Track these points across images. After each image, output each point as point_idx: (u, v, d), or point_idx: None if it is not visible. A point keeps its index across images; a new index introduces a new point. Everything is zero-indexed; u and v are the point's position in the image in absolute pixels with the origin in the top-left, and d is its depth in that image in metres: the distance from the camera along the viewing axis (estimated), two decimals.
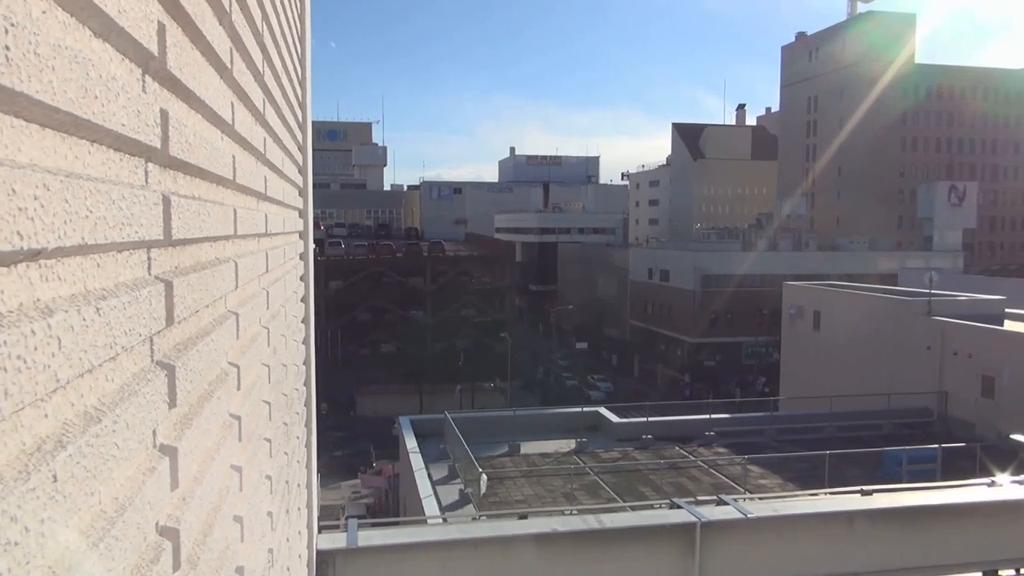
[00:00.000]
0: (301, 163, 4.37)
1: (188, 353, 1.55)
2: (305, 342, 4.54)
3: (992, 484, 6.54)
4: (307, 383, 4.61)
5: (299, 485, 4.21)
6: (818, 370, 36.29)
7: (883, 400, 29.00)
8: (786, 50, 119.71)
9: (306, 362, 4.56)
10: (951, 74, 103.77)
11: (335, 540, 5.11)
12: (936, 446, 22.94)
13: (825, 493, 6.65)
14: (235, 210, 2.21)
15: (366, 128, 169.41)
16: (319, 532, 5.21)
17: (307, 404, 4.63)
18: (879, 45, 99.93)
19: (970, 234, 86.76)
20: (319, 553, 5.00)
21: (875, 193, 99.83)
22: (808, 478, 21.38)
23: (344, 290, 66.91)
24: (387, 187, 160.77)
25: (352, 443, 53.54)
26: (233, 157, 2.18)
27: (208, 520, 1.68)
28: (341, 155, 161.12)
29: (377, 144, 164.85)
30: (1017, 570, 6.32)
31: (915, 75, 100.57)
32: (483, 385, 62.43)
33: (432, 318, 69.32)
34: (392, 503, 34.92)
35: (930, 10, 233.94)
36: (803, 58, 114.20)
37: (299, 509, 4.16)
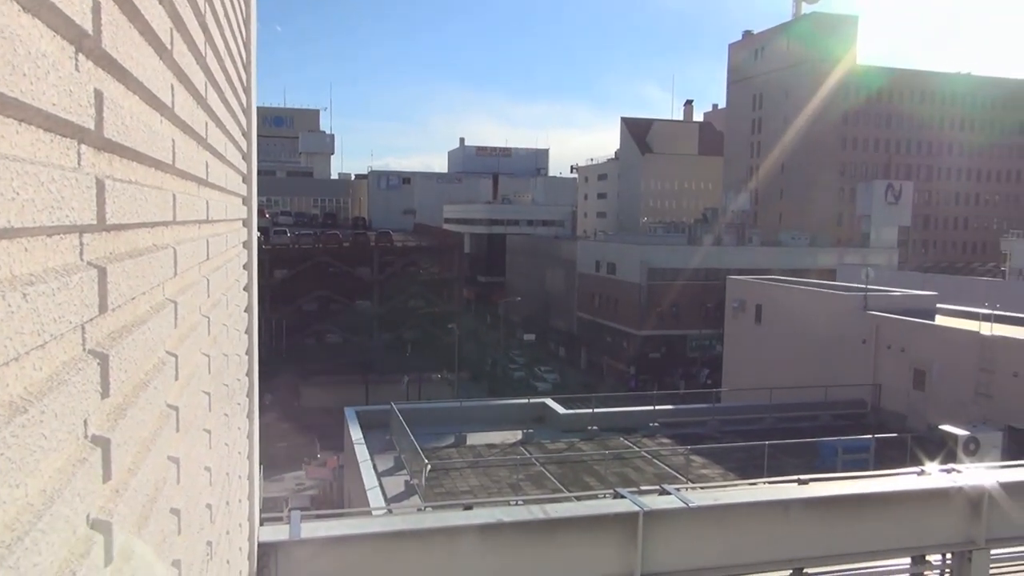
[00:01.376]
0: (245, 149, 4.28)
1: (123, 342, 1.51)
2: (248, 332, 4.46)
3: (921, 473, 6.78)
4: (249, 373, 4.53)
5: (240, 477, 4.14)
6: (759, 363, 37.11)
7: (820, 392, 29.82)
8: (733, 48, 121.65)
9: (248, 352, 4.49)
10: (890, 76, 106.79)
11: (277, 532, 5.04)
12: (869, 436, 23.71)
13: (764, 482, 6.81)
14: (174, 196, 2.16)
15: (313, 115, 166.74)
16: (261, 524, 5.14)
17: (249, 395, 4.55)
18: (822, 46, 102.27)
19: (905, 232, 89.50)
20: (261, 545, 4.93)
21: (816, 190, 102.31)
22: (748, 468, 21.89)
23: (289, 279, 65.86)
24: (334, 176, 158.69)
25: (296, 434, 52.88)
26: (173, 141, 2.13)
27: (143, 513, 1.64)
28: (287, 142, 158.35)
29: (324, 132, 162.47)
30: (943, 555, 6.56)
31: (856, 76, 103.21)
32: (430, 376, 62.24)
33: (379, 308, 68.80)
34: (337, 495, 34.64)
35: (873, 13, 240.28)
36: (749, 56, 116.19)
37: (240, 501, 4.10)
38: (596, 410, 27.79)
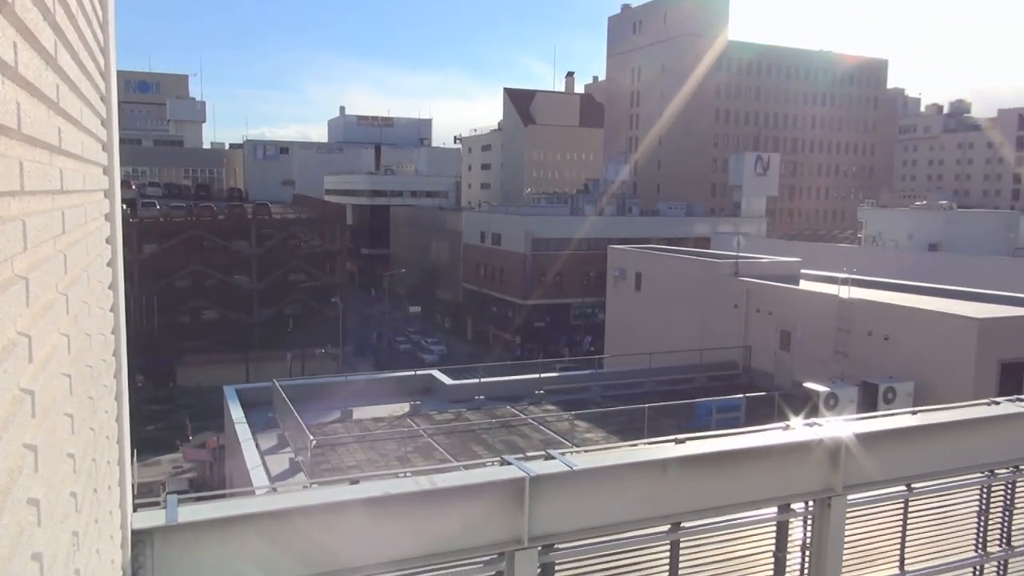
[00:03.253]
0: (105, 115, 4.01)
1: None
2: (113, 310, 4.21)
3: (787, 428, 7.22)
4: (117, 353, 4.29)
5: (109, 462, 3.94)
6: (640, 329, 38.42)
7: (696, 355, 31.22)
8: (612, 21, 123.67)
9: (115, 331, 4.24)
10: (759, 52, 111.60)
11: (152, 518, 4.83)
12: (741, 396, 25.06)
13: (644, 443, 7.07)
14: (21, 164, 1.99)
15: (181, 80, 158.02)
16: (135, 511, 4.91)
17: (117, 376, 4.31)
18: (696, 21, 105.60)
19: (773, 201, 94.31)
20: (135, 532, 4.72)
21: (691, 162, 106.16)
22: (629, 430, 22.73)
23: (160, 254, 62.61)
24: (207, 145, 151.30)
25: (172, 416, 50.80)
26: (18, 104, 1.96)
27: None
28: (154, 109, 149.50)
29: (195, 98, 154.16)
30: (806, 502, 7.02)
31: (728, 51, 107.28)
32: (314, 352, 60.95)
33: (258, 283, 66.55)
34: (218, 476, 33.56)
35: None
36: (627, 30, 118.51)
37: (110, 488, 3.90)
38: (483, 380, 28.06)
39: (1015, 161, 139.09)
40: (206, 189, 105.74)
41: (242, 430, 21.78)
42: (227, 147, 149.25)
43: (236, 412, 23.40)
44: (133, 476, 5.29)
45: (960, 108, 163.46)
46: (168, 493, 5.27)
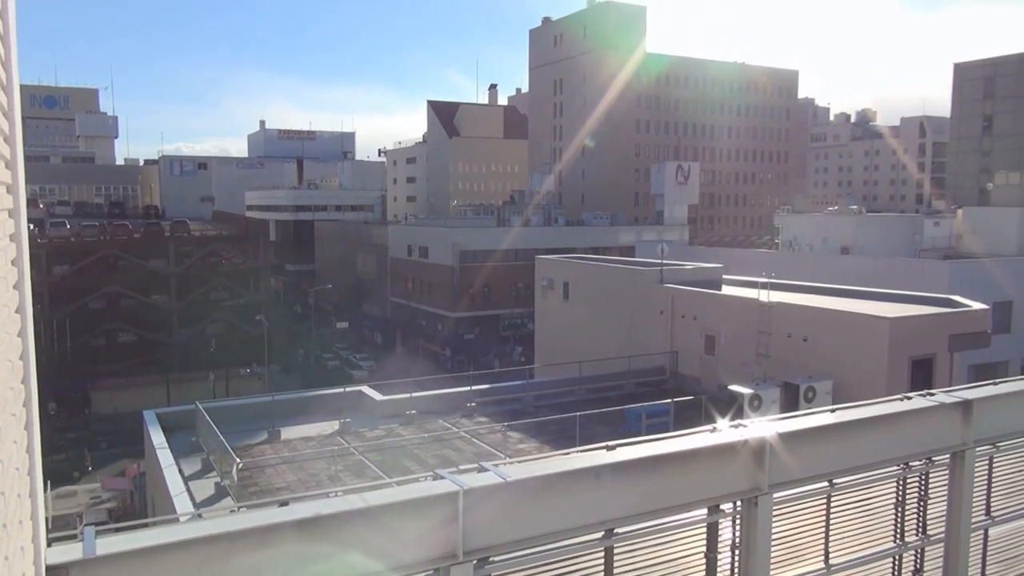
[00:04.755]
0: (7, 131, 3.83)
1: None
2: (21, 335, 4.02)
3: (714, 430, 7.37)
4: (26, 380, 4.08)
5: (20, 495, 3.74)
6: (569, 337, 38.75)
7: (625, 362, 31.65)
8: (533, 34, 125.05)
9: (23, 357, 4.04)
10: (676, 64, 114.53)
11: (69, 552, 4.61)
12: (669, 401, 25.51)
13: (576, 451, 7.12)
14: None
15: (91, 94, 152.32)
16: (49, 545, 4.69)
17: (27, 404, 4.11)
18: (615, 33, 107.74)
19: (694, 209, 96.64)
20: (49, 568, 4.50)
21: (615, 171, 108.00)
22: (562, 439, 22.86)
23: (72, 275, 60.09)
24: (120, 161, 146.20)
25: (87, 444, 48.69)
26: None
27: None
28: (62, 124, 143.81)
29: (106, 113, 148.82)
30: (734, 502, 7.17)
31: (646, 63, 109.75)
32: (238, 371, 59.37)
33: (178, 303, 64.52)
34: (140, 505, 32.28)
35: (660, 2, 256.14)
36: (548, 42, 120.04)
37: (20, 522, 3.70)
38: (414, 394, 27.79)
39: (917, 167, 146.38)
40: (120, 207, 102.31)
41: (164, 455, 21.01)
42: (142, 163, 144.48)
43: (157, 437, 22.57)
44: (47, 509, 5.04)
45: (866, 117, 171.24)
46: (85, 525, 5.03)
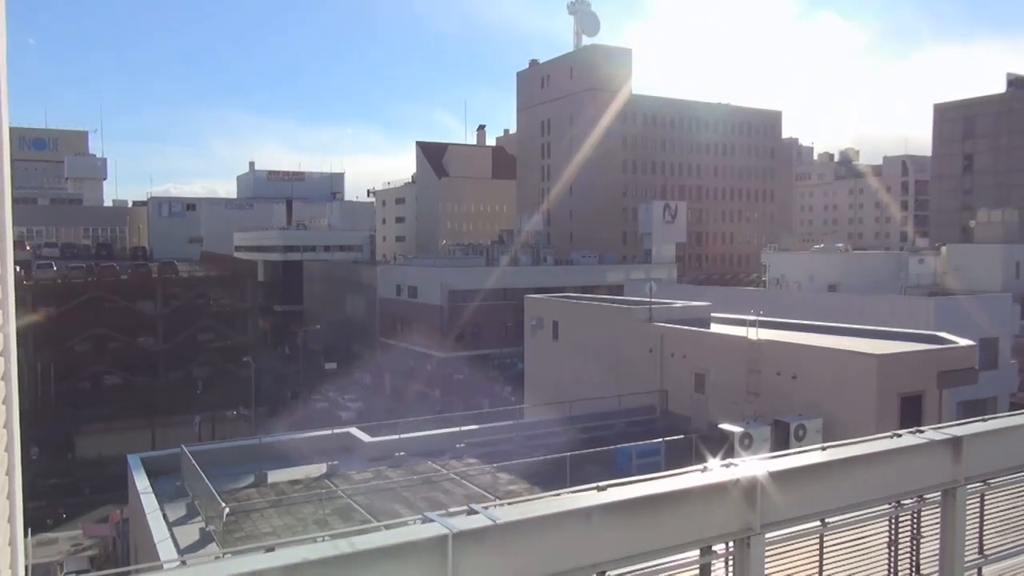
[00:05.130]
0: None
1: None
2: (4, 378, 3.97)
3: (704, 470, 7.32)
4: (8, 425, 4.03)
5: None
6: (559, 377, 38.64)
7: (615, 401, 31.54)
8: (521, 76, 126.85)
9: (6, 401, 4.00)
10: (662, 105, 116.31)
11: None
12: (660, 440, 25.38)
13: (566, 492, 7.05)
14: None
15: (80, 137, 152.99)
16: None
17: (8, 449, 4.05)
18: (601, 75, 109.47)
19: (681, 247, 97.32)
20: None
21: (602, 211, 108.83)
22: (552, 480, 22.66)
23: (58, 318, 59.60)
24: (108, 203, 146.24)
25: (69, 490, 47.87)
26: None
27: None
28: (51, 167, 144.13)
29: (95, 155, 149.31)
30: (726, 543, 7.11)
31: (633, 104, 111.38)
32: (225, 414, 58.76)
33: (165, 345, 64.03)
34: (122, 552, 31.64)
35: (645, 45, 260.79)
36: (536, 84, 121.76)
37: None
38: (402, 436, 27.56)
39: (901, 206, 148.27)
40: (108, 248, 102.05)
41: (148, 500, 20.66)
42: (130, 204, 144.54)
43: (141, 482, 22.22)
44: (27, 557, 4.93)
45: (848, 156, 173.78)
46: (66, 574, 4.93)
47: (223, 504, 19.00)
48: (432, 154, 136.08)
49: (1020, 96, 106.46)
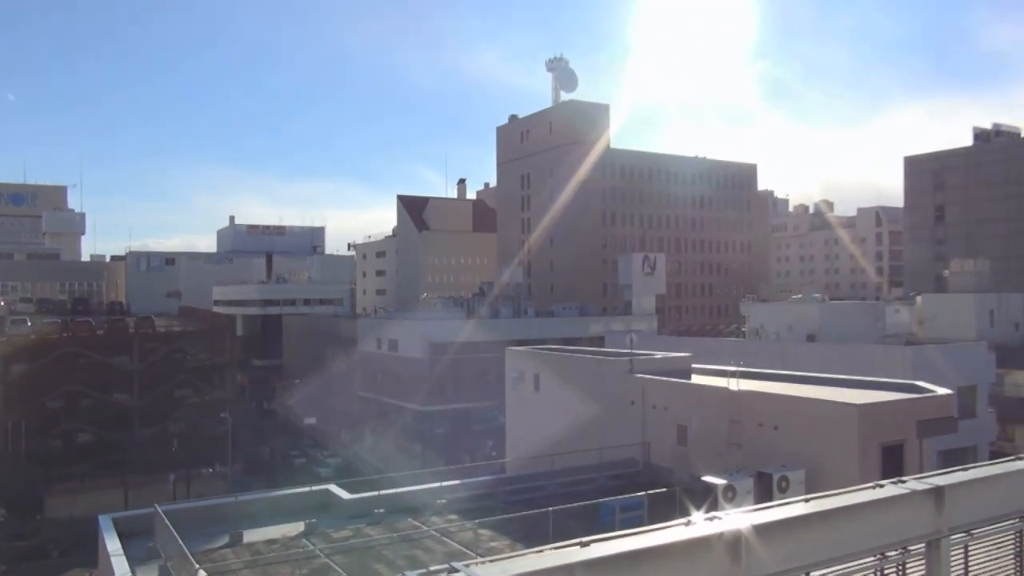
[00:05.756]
0: None
1: None
2: None
3: (688, 523, 7.25)
4: None
5: None
6: (541, 430, 38.30)
7: (597, 455, 31.24)
8: (500, 130, 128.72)
9: None
10: (639, 158, 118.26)
11: None
12: (642, 493, 25.08)
13: (549, 549, 6.94)
14: None
15: (59, 192, 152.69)
16: None
17: None
18: (580, 130, 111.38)
19: (661, 299, 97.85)
20: None
21: (582, 263, 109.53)
22: (534, 536, 22.23)
23: (31, 374, 58.53)
24: (86, 258, 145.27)
25: (39, 552, 46.41)
26: None
27: None
28: (29, 221, 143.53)
29: (73, 210, 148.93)
30: None
31: (611, 158, 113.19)
32: (200, 471, 57.56)
33: (140, 400, 62.94)
34: None
35: (622, 101, 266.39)
36: (516, 138, 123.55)
37: None
38: (382, 492, 27.03)
39: (875, 255, 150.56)
40: (84, 303, 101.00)
41: (118, 563, 20.02)
42: (108, 259, 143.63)
43: (112, 544, 21.55)
44: None
45: (822, 208, 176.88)
46: None
47: (197, 566, 18.45)
48: (413, 207, 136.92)
49: (987, 149, 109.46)
